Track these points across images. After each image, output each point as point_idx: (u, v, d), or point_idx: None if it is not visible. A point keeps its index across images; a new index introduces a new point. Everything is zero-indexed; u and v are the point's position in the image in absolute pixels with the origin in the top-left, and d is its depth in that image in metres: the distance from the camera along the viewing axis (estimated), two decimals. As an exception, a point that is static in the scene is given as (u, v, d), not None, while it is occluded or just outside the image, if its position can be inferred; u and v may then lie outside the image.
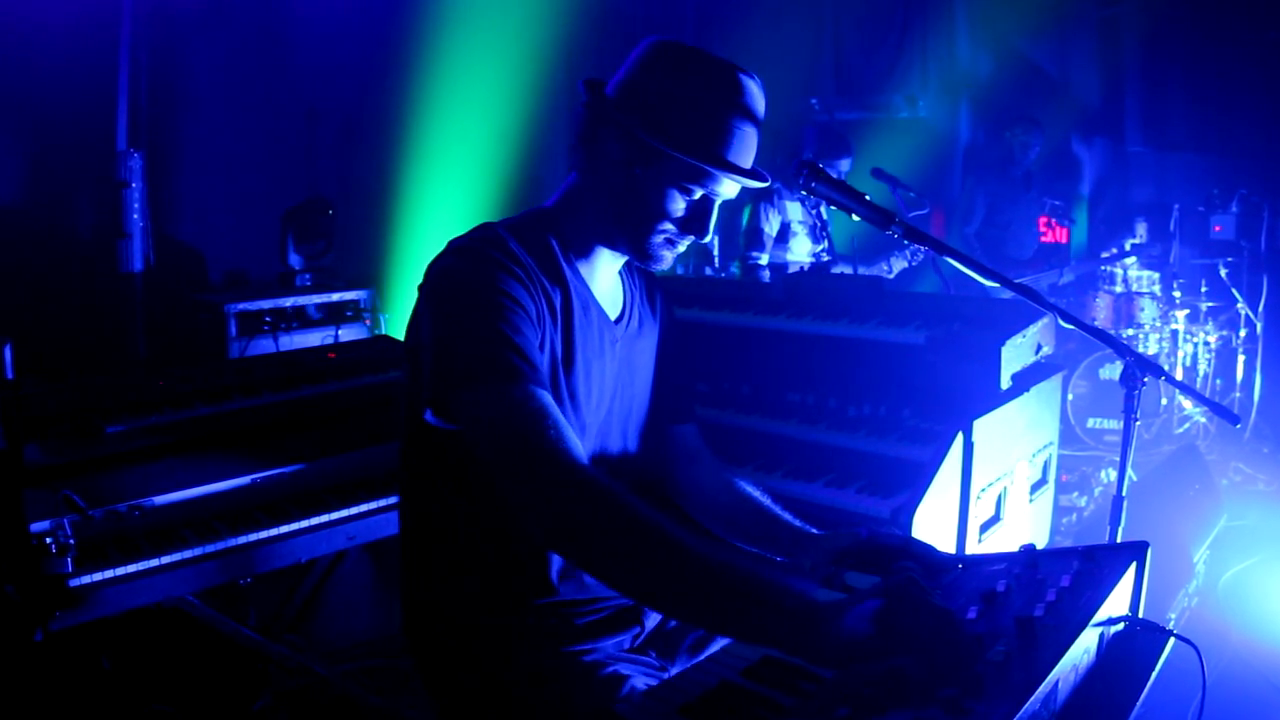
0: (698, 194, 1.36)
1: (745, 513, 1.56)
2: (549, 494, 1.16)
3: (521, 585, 1.40)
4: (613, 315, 1.48)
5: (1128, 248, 4.79)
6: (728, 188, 1.37)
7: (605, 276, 1.48)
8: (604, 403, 1.45)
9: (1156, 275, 4.75)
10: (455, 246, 1.34)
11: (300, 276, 4.62)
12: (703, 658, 1.30)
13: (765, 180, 1.38)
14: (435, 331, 1.26)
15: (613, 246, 1.43)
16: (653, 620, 1.49)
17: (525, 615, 1.39)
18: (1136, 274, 4.70)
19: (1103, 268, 4.74)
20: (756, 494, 1.58)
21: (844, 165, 4.11)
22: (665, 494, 1.64)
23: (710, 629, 1.35)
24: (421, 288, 1.33)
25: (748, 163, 1.37)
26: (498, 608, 1.40)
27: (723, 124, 1.32)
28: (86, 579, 1.88)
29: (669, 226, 1.37)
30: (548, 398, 1.23)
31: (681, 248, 1.41)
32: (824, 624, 1.00)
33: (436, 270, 1.32)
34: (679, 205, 1.36)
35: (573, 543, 1.16)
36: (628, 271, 1.57)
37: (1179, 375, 4.61)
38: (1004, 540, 2.31)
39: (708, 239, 1.38)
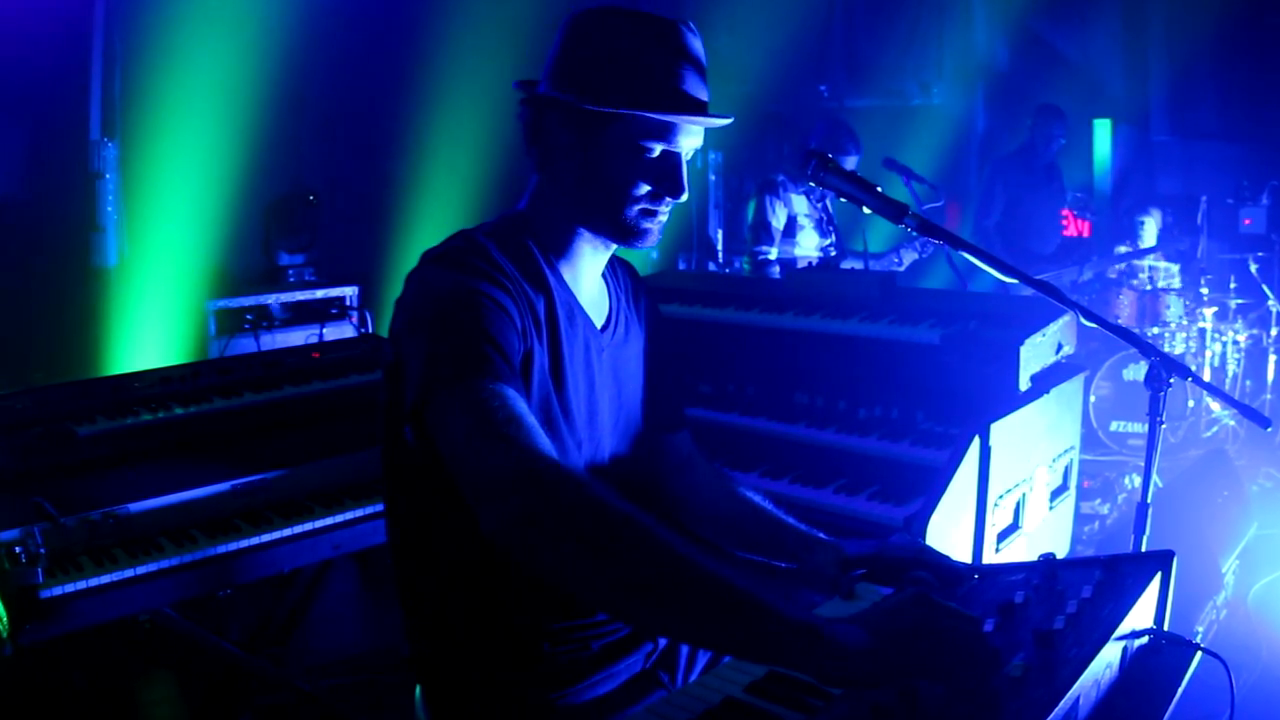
0: (658, 150, 1.30)
1: (747, 518, 1.50)
2: (505, 479, 1.03)
3: (534, 611, 1.33)
4: (598, 322, 1.42)
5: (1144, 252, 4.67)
6: (687, 139, 1.32)
7: (589, 278, 1.43)
8: (595, 416, 1.40)
9: (1176, 268, 4.65)
10: (433, 255, 1.29)
11: (284, 272, 4.51)
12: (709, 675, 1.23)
13: (726, 118, 1.33)
14: (417, 344, 1.19)
15: (594, 233, 1.37)
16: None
17: (540, 642, 1.33)
18: (1164, 266, 4.59)
19: (1121, 266, 4.64)
20: (757, 498, 1.52)
21: (850, 163, 3.94)
22: (662, 506, 1.57)
23: (691, 639, 1.23)
24: (400, 300, 1.27)
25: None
26: (508, 638, 1.33)
27: (662, 69, 1.27)
28: (58, 590, 1.84)
29: (641, 193, 1.31)
30: (520, 402, 1.14)
31: (663, 216, 1.35)
32: (831, 635, 0.93)
33: (415, 281, 1.27)
34: (643, 169, 1.30)
35: (529, 534, 1.01)
36: (611, 273, 1.52)
37: (1207, 376, 4.55)
38: (1022, 549, 2.29)
39: (684, 197, 1.33)
